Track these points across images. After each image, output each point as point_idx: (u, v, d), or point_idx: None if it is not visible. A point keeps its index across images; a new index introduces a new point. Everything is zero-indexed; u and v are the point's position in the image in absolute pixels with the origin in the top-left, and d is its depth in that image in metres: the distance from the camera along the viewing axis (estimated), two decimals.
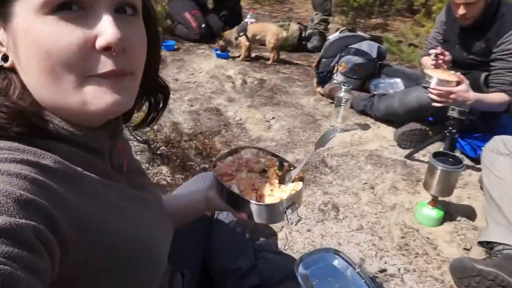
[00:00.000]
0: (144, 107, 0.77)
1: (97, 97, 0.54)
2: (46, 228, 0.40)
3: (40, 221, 0.40)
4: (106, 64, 0.53)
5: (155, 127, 2.53)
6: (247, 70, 3.66)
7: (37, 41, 0.50)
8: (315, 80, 3.31)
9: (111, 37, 0.51)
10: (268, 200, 0.85)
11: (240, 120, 2.80)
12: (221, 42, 3.84)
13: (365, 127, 2.76)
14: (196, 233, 1.17)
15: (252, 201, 0.82)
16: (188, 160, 2.25)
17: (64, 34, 0.50)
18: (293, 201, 0.86)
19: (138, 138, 1.86)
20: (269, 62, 3.88)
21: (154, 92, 0.75)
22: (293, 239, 1.75)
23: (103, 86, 0.54)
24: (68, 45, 0.50)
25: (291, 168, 0.96)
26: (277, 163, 0.96)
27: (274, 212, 0.84)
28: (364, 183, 2.17)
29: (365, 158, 2.40)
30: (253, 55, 4.02)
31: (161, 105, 0.78)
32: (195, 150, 2.35)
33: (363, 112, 2.90)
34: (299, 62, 4.06)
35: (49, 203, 0.43)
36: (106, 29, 0.51)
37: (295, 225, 0.85)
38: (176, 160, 2.20)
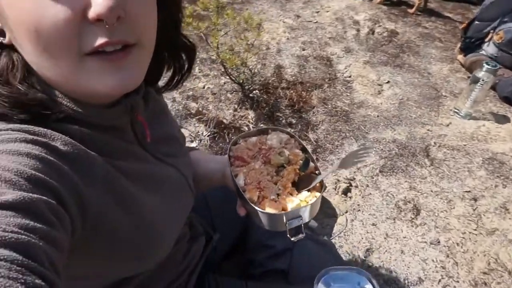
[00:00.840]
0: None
1: (99, 79, 0.49)
2: (57, 204, 0.41)
3: (51, 198, 0.41)
4: (100, 37, 0.46)
5: (258, 67, 2.47)
6: (381, 17, 3.18)
7: (22, 19, 0.45)
8: (458, 45, 2.70)
9: (100, 8, 0.44)
10: (269, 206, 0.73)
11: (349, 77, 2.52)
12: None
13: (501, 120, 2.20)
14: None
15: (249, 203, 0.72)
16: (277, 110, 2.17)
17: (48, 9, 0.43)
18: (300, 215, 0.73)
19: (233, 78, 1.85)
20: (412, 10, 3.28)
21: (178, 54, 0.68)
22: (352, 229, 1.61)
23: (103, 66, 0.48)
24: (55, 21, 0.44)
25: (317, 172, 0.80)
26: (302, 161, 0.80)
27: (272, 220, 0.73)
28: (467, 191, 1.80)
29: (481, 160, 1.96)
30: None
31: (186, 68, 0.71)
32: (288, 101, 2.24)
33: (507, 100, 2.30)
34: (450, 15, 3.33)
35: (59, 184, 0.43)
36: None
37: (294, 241, 0.72)
38: (265, 108, 2.14)
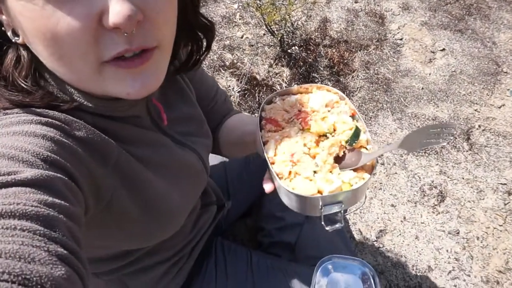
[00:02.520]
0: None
1: (118, 85, 0.48)
2: (72, 184, 0.44)
3: (66, 178, 0.43)
4: (118, 44, 0.44)
5: (302, 19, 2.32)
6: None
7: (36, 27, 0.42)
8: None
9: (117, 17, 0.41)
10: (302, 185, 0.59)
11: (401, 39, 2.31)
12: None
13: None
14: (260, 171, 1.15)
15: (277, 178, 0.61)
16: (315, 70, 2.07)
17: (61, 18, 0.41)
18: (340, 201, 0.59)
19: (272, 31, 1.74)
20: None
21: (196, 34, 0.65)
22: (369, 207, 1.60)
23: (122, 73, 0.47)
24: (69, 30, 0.41)
25: (368, 147, 0.64)
26: (351, 131, 0.64)
27: (303, 203, 0.61)
28: (502, 184, 1.69)
29: None
30: None
31: (204, 48, 0.68)
32: (328, 61, 2.12)
33: None
34: None
35: (73, 166, 0.45)
36: (111, 5, 0.41)
37: (330, 230, 0.61)
38: (302, 67, 2.05)
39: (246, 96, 1.91)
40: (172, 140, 0.68)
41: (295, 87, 0.73)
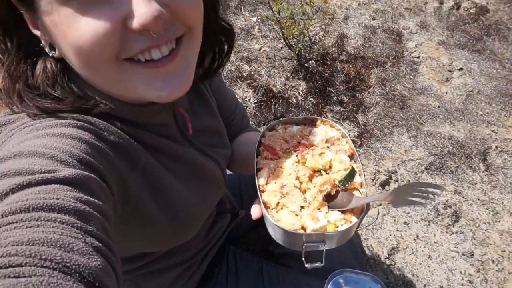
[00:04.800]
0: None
1: (148, 90, 0.50)
2: (104, 184, 0.46)
3: (99, 179, 0.45)
4: (146, 42, 0.45)
5: (319, 34, 2.35)
6: None
7: (66, 36, 0.45)
8: None
9: (144, 19, 0.42)
10: (286, 218, 0.59)
11: (418, 57, 2.31)
12: None
13: None
14: None
15: (263, 208, 0.60)
16: (331, 84, 2.08)
17: (89, 25, 0.43)
18: (323, 240, 0.58)
19: (290, 45, 1.75)
20: None
21: (218, 38, 0.66)
22: (382, 223, 1.58)
23: (152, 77, 0.49)
24: (96, 37, 0.43)
25: (361, 190, 0.64)
26: (346, 171, 0.63)
27: (286, 236, 0.60)
28: None
29: None
30: None
31: (226, 51, 0.69)
32: (345, 76, 2.13)
33: None
34: None
35: (105, 168, 0.47)
36: (136, 8, 0.42)
37: (308, 268, 0.61)
38: (318, 81, 2.07)
39: (262, 107, 1.93)
40: (195, 149, 0.69)
41: (300, 117, 0.74)
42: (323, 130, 0.70)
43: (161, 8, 0.42)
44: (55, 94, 0.50)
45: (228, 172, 1.22)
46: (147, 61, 0.47)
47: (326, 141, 0.68)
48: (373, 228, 1.56)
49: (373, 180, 1.70)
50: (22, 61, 0.49)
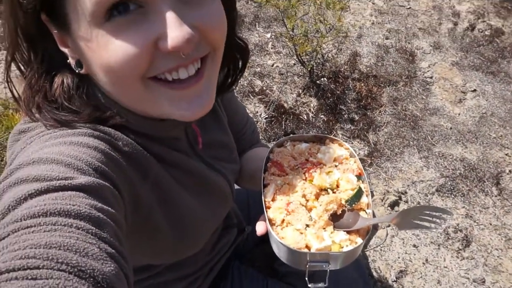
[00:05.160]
0: None
1: (174, 110, 0.52)
2: (117, 193, 0.47)
3: (113, 188, 0.46)
4: (172, 61, 0.47)
5: (332, 51, 2.36)
6: (488, 10, 2.79)
7: (97, 55, 0.46)
8: None
9: (176, 41, 0.43)
10: (291, 236, 0.59)
11: (431, 77, 2.30)
12: None
13: None
14: None
15: (268, 225, 0.60)
16: (342, 102, 2.08)
17: (121, 47, 0.44)
18: (327, 259, 0.58)
19: (302, 62, 1.76)
20: None
21: (233, 55, 0.67)
22: (390, 245, 1.56)
23: (177, 98, 0.50)
24: (128, 57, 0.45)
25: (367, 211, 0.63)
26: (353, 191, 0.63)
27: (289, 255, 0.60)
28: None
29: None
30: None
31: (240, 68, 0.70)
32: (356, 94, 2.13)
33: None
34: None
35: (119, 177, 0.48)
36: (169, 31, 0.44)
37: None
38: (330, 98, 2.07)
39: (272, 123, 1.94)
40: (204, 163, 0.70)
41: (309, 134, 0.74)
42: (332, 149, 0.70)
43: (192, 31, 0.44)
44: (72, 108, 0.51)
45: (237, 187, 1.22)
46: (173, 81, 0.49)
47: (334, 160, 0.68)
48: (381, 250, 1.54)
49: (382, 200, 1.68)
50: (43, 75, 0.51)
